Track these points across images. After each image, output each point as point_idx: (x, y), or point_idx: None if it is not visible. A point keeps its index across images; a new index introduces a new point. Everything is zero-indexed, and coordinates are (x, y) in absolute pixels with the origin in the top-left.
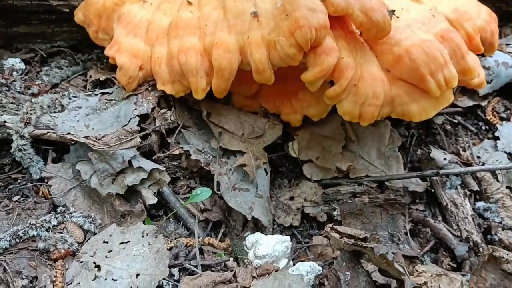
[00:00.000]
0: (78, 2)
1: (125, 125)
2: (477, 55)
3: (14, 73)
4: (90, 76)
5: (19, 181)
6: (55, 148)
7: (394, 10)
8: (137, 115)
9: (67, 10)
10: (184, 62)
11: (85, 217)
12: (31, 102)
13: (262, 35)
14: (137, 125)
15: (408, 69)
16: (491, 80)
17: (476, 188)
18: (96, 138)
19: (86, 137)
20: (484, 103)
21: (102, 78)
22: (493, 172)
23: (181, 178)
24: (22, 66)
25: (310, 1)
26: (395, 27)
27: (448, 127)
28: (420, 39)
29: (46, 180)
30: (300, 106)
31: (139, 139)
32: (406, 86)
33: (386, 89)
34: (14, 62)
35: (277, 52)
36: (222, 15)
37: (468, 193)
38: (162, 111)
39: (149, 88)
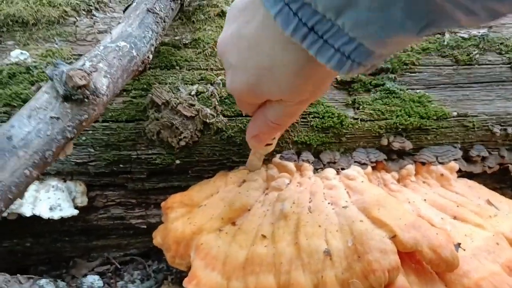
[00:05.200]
0: (155, 220)
1: None
2: None
3: None
4: None
5: None
6: None
7: (460, 244)
8: None
9: (145, 227)
10: None
11: None
12: None
13: (335, 275)
14: None
15: None
16: None
17: None
18: None
19: None
20: None
21: None
22: None
23: None
24: (100, 283)
25: (380, 241)
26: (462, 256)
27: None
28: (489, 271)
29: None
30: None
31: None
32: None
33: None
34: (93, 280)
35: None
36: (295, 253)
37: None
38: None
39: None
